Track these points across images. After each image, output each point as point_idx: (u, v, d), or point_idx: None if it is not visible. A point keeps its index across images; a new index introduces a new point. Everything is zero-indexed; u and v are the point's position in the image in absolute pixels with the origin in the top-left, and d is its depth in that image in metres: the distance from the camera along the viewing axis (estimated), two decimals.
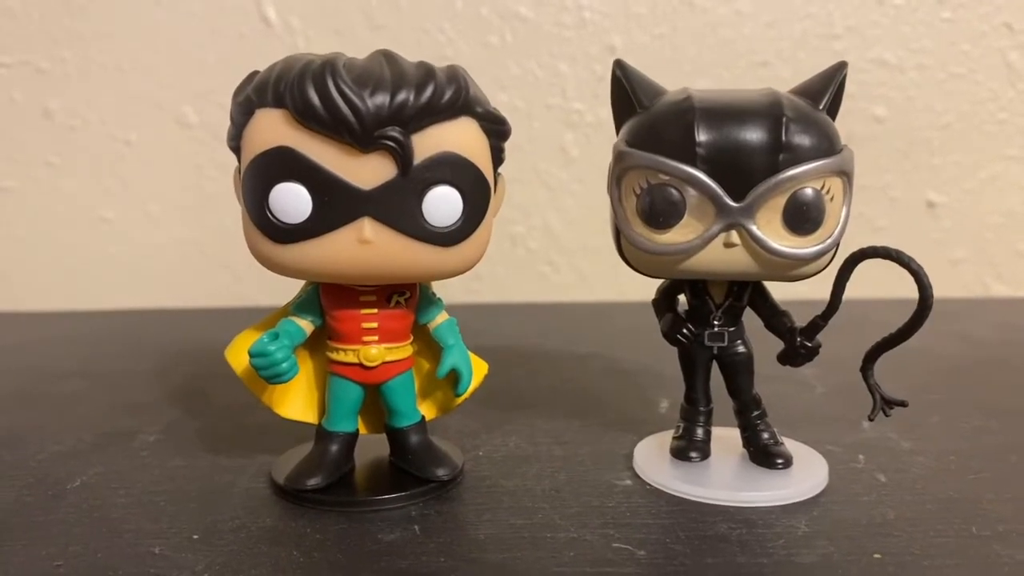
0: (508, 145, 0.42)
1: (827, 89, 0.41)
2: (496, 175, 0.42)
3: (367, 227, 0.38)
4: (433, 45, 0.91)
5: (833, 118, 0.42)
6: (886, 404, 0.42)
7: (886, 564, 0.36)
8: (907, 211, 0.97)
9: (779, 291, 0.45)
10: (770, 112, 0.39)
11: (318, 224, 0.38)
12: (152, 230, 0.94)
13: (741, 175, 0.39)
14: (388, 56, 0.39)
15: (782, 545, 0.37)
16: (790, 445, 0.46)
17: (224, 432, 0.51)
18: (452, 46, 0.91)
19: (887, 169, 0.97)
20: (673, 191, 0.39)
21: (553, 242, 0.96)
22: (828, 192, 0.39)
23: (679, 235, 0.40)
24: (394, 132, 0.37)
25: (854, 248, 0.40)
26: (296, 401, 0.45)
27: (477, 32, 0.92)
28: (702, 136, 0.39)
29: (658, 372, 0.63)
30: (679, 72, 0.94)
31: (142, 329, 0.80)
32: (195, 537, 0.38)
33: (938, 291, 1.07)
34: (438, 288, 0.45)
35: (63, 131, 0.92)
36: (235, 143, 0.40)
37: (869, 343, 0.42)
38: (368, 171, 0.37)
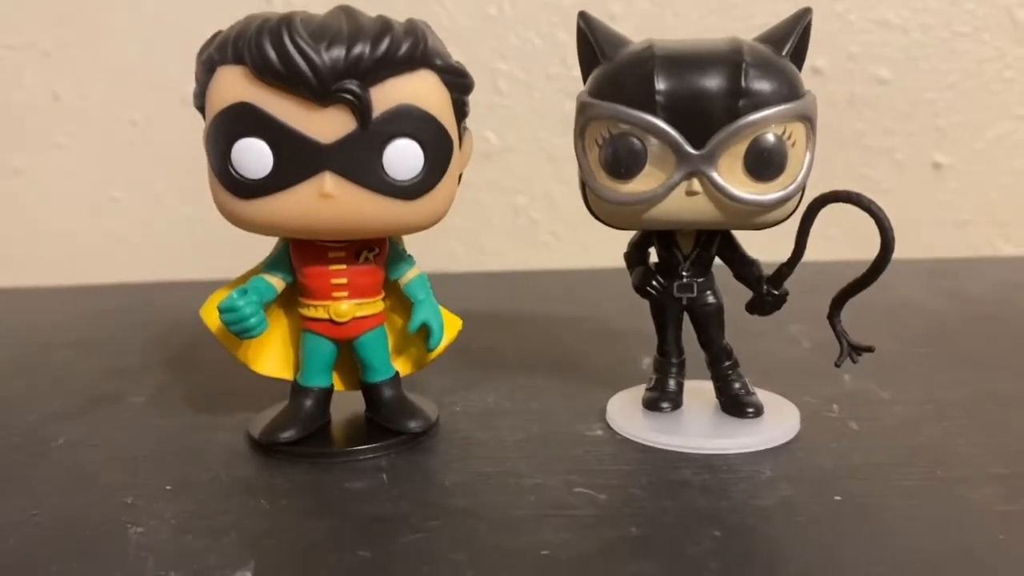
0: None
1: (790, 35, 0.41)
2: (462, 129, 0.42)
3: (328, 181, 0.38)
4: (432, 17, 0.89)
5: (799, 64, 0.42)
6: (853, 350, 0.42)
7: (844, 505, 0.36)
8: (913, 173, 0.96)
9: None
10: (730, 58, 0.39)
11: (280, 179, 0.38)
12: (159, 207, 0.96)
13: (701, 122, 0.39)
14: (347, 11, 0.39)
15: (743, 489, 0.38)
16: (764, 395, 0.46)
17: (209, 393, 0.52)
18: (451, 18, 0.92)
19: (892, 131, 0.95)
20: (634, 140, 0.40)
21: (556, 212, 0.96)
22: (790, 137, 0.39)
23: (642, 184, 0.40)
24: (351, 85, 0.37)
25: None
26: (272, 358, 0.45)
27: (476, 3, 0.92)
28: (661, 84, 0.39)
29: (647, 332, 0.62)
30: (679, 37, 0.93)
31: (148, 301, 0.82)
32: (168, 488, 0.39)
33: (946, 252, 1.06)
34: (418, 246, 0.46)
35: (71, 113, 0.93)
36: (199, 101, 0.40)
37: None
38: (327, 125, 0.38)
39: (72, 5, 0.90)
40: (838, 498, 0.37)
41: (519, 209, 0.96)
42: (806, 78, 0.41)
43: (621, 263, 0.47)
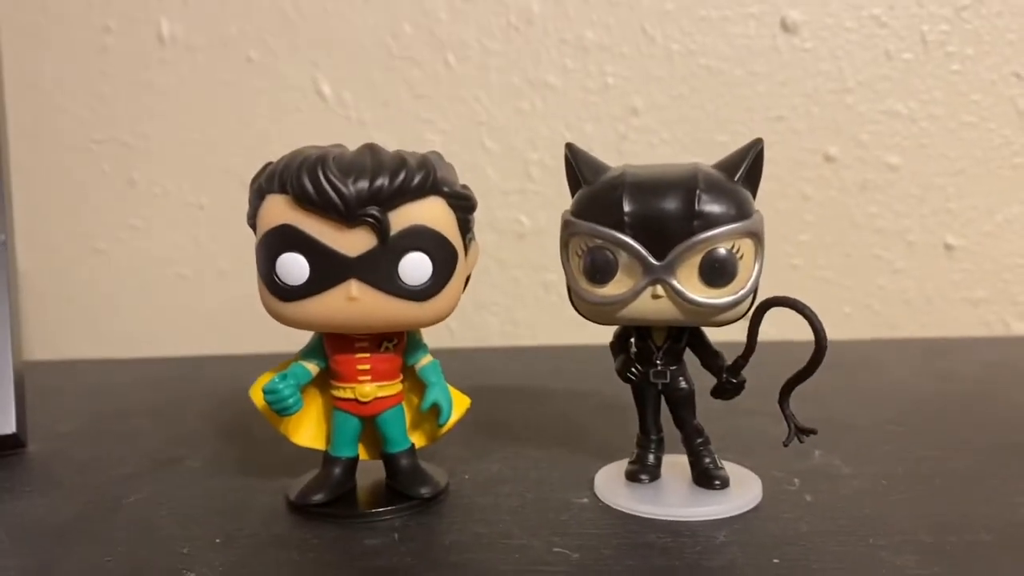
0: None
1: (742, 163, 0.48)
2: (468, 240, 0.50)
3: (354, 287, 0.47)
4: (469, 112, 1.00)
5: (753, 186, 0.49)
6: (800, 432, 0.48)
7: (780, 567, 0.42)
8: (925, 254, 1.01)
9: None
10: (687, 185, 0.46)
11: (315, 285, 0.47)
12: (223, 284, 1.05)
13: (662, 238, 0.46)
14: (372, 148, 0.48)
15: (697, 552, 0.44)
16: (734, 469, 0.53)
17: (257, 459, 0.60)
18: (487, 112, 1.00)
19: (904, 214, 1.01)
20: (608, 253, 0.47)
21: None
22: (738, 251, 0.46)
23: (614, 289, 0.48)
24: (373, 211, 0.46)
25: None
26: (308, 431, 0.53)
27: (509, 99, 1.00)
28: (628, 207, 0.46)
29: None
30: (698, 129, 1.01)
31: (209, 372, 0.91)
32: (218, 541, 0.47)
33: (959, 330, 1.09)
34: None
35: (145, 198, 1.04)
36: (252, 221, 0.49)
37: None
38: (353, 241, 0.46)
39: (148, 103, 1.02)
40: (776, 561, 0.43)
41: (549, 286, 1.04)
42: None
43: None
